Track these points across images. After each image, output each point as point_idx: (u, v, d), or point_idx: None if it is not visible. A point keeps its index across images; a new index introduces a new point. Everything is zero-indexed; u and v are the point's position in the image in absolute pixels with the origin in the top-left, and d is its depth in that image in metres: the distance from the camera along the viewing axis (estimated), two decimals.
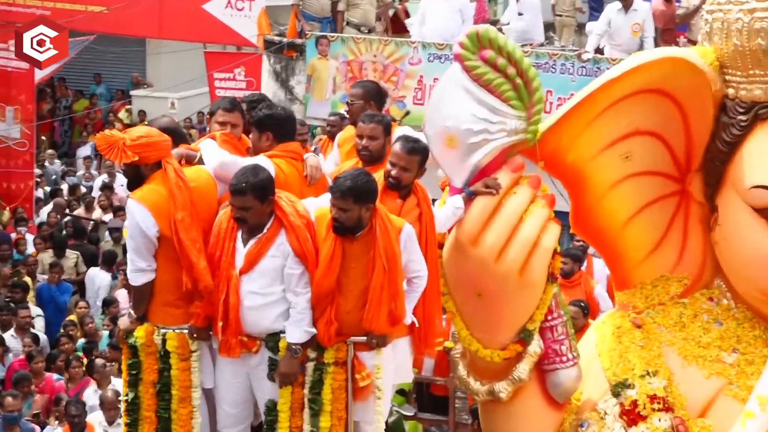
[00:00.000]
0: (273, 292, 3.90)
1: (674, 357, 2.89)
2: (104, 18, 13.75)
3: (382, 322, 3.87)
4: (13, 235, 11.37)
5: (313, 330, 3.86)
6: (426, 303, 4.22)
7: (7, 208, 12.69)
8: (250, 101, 4.82)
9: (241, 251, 3.89)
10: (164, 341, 3.94)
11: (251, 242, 3.88)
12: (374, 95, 5.28)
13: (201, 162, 4.18)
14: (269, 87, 12.48)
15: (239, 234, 3.91)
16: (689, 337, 2.91)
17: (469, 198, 2.72)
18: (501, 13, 15.29)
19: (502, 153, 2.73)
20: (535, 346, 2.84)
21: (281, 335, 3.90)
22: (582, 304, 6.58)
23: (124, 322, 4.09)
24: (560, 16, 12.83)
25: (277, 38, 12.80)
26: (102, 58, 17.17)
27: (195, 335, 3.94)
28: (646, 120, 2.90)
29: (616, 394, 2.86)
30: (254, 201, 3.79)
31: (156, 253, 3.93)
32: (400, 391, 6.13)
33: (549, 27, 13.24)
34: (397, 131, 4.86)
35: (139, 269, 3.93)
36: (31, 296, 9.85)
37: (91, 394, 7.66)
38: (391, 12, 13.15)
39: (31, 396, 7.87)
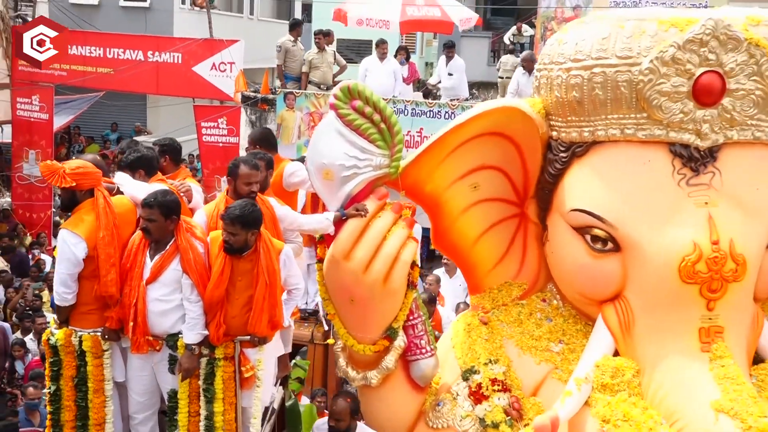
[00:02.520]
0: (173, 299, 3.88)
1: (513, 348, 2.90)
2: (111, 78, 13.69)
3: (264, 327, 3.87)
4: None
5: (206, 332, 3.84)
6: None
7: (29, 234, 12.57)
8: (161, 145, 4.85)
9: (149, 264, 3.87)
10: (81, 342, 3.89)
11: (156, 257, 3.87)
12: (259, 140, 5.31)
13: (119, 192, 4.17)
14: (246, 134, 12.49)
15: (148, 250, 3.89)
16: (525, 331, 2.92)
17: (342, 220, 2.72)
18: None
19: (370, 184, 2.74)
20: (400, 341, 2.84)
21: (179, 336, 3.87)
22: None
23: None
24: (501, 78, 13.03)
25: (252, 94, 12.86)
26: (110, 111, 17.07)
27: (107, 337, 3.89)
28: (490, 157, 2.92)
29: (465, 379, 2.86)
30: (159, 215, 3.78)
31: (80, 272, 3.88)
32: (298, 378, 6.07)
33: (473, 85, 13.40)
34: (288, 166, 4.90)
35: (64, 298, 3.87)
36: (47, 306, 9.76)
37: None
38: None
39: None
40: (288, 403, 5.17)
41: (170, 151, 4.84)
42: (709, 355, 2.55)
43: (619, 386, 2.60)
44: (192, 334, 3.80)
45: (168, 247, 3.84)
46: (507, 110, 2.81)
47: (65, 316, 3.92)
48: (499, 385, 2.80)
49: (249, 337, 3.85)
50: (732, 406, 2.41)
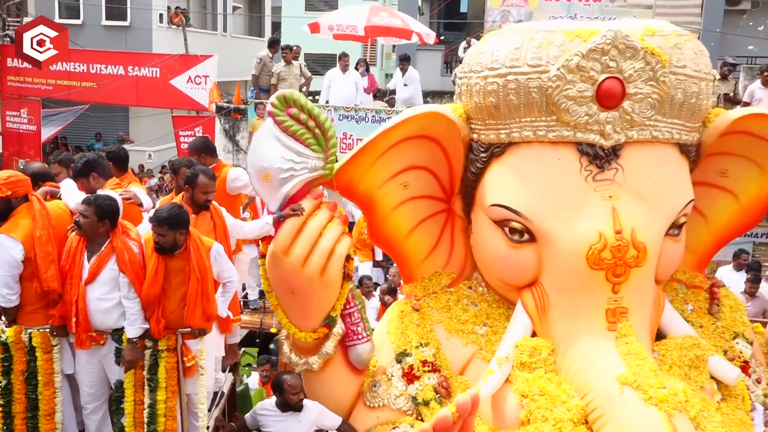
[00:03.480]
0: (113, 298, 3.79)
1: (442, 331, 2.87)
2: (94, 91, 13.51)
3: (198, 319, 3.80)
4: None
5: (146, 326, 3.76)
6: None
7: None
8: (108, 152, 4.76)
9: (86, 266, 3.78)
10: (30, 338, 3.79)
11: (93, 258, 3.78)
12: (200, 148, 5.23)
13: (61, 198, 4.07)
14: (220, 141, 12.34)
15: (86, 252, 3.80)
16: (453, 316, 2.90)
17: (281, 220, 2.67)
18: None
19: (306, 185, 2.69)
20: (338, 328, 2.81)
21: (123, 331, 3.80)
22: None
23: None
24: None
25: (226, 104, 12.72)
26: (94, 122, 16.75)
27: (55, 333, 3.80)
28: (418, 158, 2.88)
29: (399, 361, 2.84)
30: (92, 214, 3.68)
31: (21, 274, 3.78)
32: (248, 365, 6.00)
33: (428, 94, 13.38)
34: (231, 171, 4.83)
35: (8, 299, 3.77)
36: None
37: None
38: None
39: None
40: (239, 389, 5.11)
41: (114, 158, 4.77)
42: (615, 334, 2.56)
43: (536, 364, 2.60)
44: (133, 328, 3.72)
45: (103, 248, 3.76)
46: (431, 115, 2.78)
47: (12, 317, 3.83)
48: (429, 366, 2.78)
49: (190, 329, 3.79)
50: (635, 378, 2.42)
